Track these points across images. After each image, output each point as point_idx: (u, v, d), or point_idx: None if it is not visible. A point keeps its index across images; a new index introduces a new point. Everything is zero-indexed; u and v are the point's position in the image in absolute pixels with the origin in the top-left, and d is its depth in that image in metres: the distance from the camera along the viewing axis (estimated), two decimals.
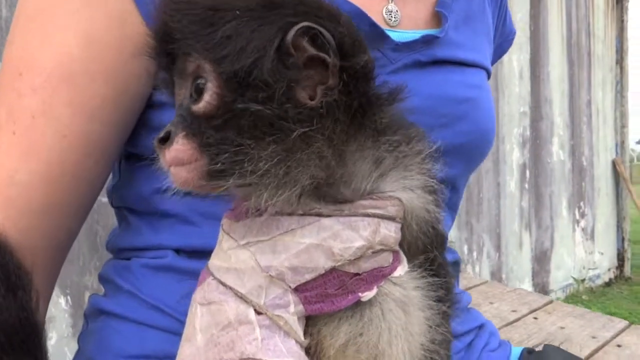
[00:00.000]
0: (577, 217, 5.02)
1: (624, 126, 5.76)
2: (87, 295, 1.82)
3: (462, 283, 2.04)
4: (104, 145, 0.63)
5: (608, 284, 5.34)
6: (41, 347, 0.54)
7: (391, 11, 0.72)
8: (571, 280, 4.84)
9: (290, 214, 0.44)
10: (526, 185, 4.34)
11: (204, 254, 0.64)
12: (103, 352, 0.65)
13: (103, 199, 0.73)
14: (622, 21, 5.86)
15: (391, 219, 0.48)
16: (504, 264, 4.07)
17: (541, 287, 4.43)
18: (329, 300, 0.44)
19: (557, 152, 4.75)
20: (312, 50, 0.42)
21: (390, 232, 0.47)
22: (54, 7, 0.60)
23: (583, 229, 5.10)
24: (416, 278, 0.50)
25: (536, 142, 4.45)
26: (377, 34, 0.66)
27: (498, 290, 2.15)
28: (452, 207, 0.78)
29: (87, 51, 0.59)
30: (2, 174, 0.58)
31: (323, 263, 0.43)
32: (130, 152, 0.69)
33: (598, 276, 5.27)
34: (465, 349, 0.78)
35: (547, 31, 4.51)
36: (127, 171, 0.71)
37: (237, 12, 0.42)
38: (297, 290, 0.43)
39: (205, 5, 0.43)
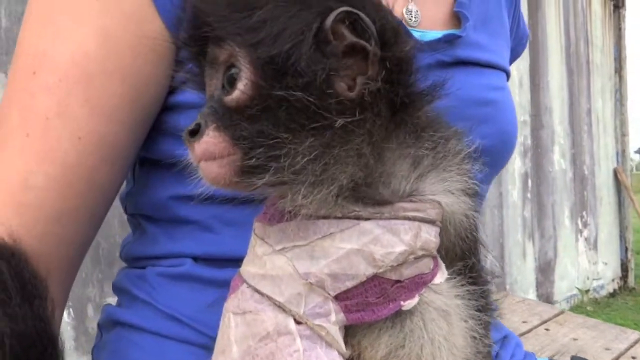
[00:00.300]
0: (580, 226, 5.00)
1: (624, 135, 5.76)
2: (89, 307, 1.78)
3: None
4: (120, 149, 0.60)
5: (612, 294, 5.30)
6: (58, 358, 0.51)
7: (411, 11, 0.71)
8: (575, 291, 4.80)
9: (327, 217, 0.41)
10: (528, 195, 4.32)
11: (224, 261, 0.62)
12: None
13: None
14: (620, 29, 5.88)
15: (431, 222, 0.45)
16: (508, 274, 4.03)
17: (545, 298, 4.39)
18: (369, 309, 0.41)
19: (559, 160, 4.73)
20: (351, 37, 0.39)
21: (431, 236, 0.44)
22: (68, 3, 0.57)
23: (586, 239, 5.08)
24: (456, 286, 0.47)
25: (537, 151, 4.44)
26: None
27: (507, 300, 2.12)
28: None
29: (104, 49, 0.57)
30: (16, 178, 0.55)
31: (364, 270, 0.40)
32: (144, 157, 0.67)
33: (602, 287, 5.23)
34: None
35: (545, 40, 4.51)
36: (142, 177, 0.69)
37: None
38: (336, 298, 0.40)
39: None
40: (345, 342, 0.42)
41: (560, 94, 4.75)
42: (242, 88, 0.40)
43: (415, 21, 0.70)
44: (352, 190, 0.42)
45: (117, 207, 0.71)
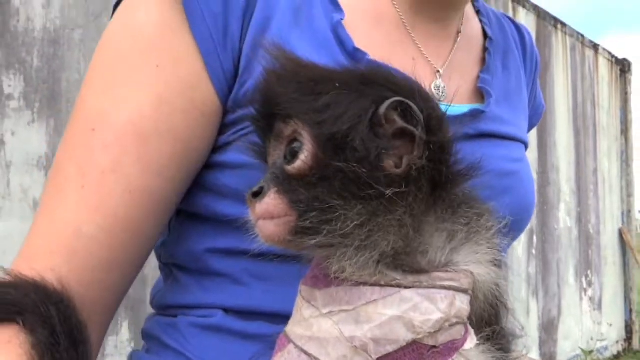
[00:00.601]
0: (585, 285, 4.97)
1: (630, 195, 5.79)
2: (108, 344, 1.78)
3: None
4: (166, 203, 0.64)
5: (616, 356, 5.21)
6: None
7: (439, 87, 0.75)
8: (579, 351, 4.73)
9: (372, 285, 0.44)
10: (533, 251, 4.32)
11: (253, 315, 0.64)
12: None
13: None
14: (627, 93, 6.00)
15: (464, 291, 0.48)
16: None
17: (548, 358, 4.33)
18: None
19: (564, 218, 4.75)
20: (401, 123, 0.45)
21: (464, 304, 0.47)
22: (130, 69, 0.62)
23: (590, 298, 5.03)
24: (485, 352, 0.50)
25: (543, 208, 4.46)
26: None
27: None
28: None
29: (158, 112, 0.61)
30: (69, 226, 0.59)
31: (404, 335, 0.43)
32: (181, 209, 0.70)
33: (606, 348, 5.15)
34: None
35: (553, 101, 4.60)
36: (178, 228, 0.72)
37: (337, 85, 0.46)
38: None
39: (308, 77, 0.47)
40: None
41: (567, 153, 4.81)
42: (303, 159, 0.46)
43: (442, 96, 0.74)
44: (392, 257, 0.46)
45: None
